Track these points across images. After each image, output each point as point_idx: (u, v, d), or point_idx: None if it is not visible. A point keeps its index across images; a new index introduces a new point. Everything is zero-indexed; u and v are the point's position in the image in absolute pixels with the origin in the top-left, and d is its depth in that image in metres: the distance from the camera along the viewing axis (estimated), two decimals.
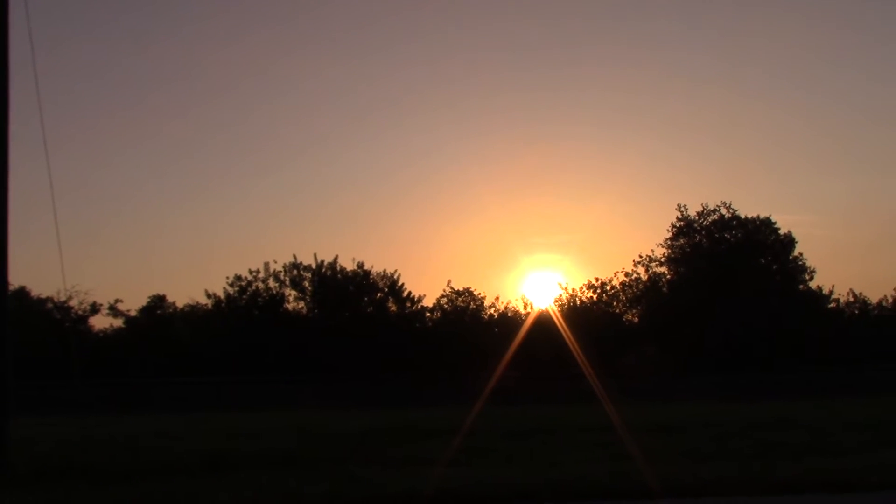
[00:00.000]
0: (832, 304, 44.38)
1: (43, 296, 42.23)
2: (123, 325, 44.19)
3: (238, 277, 42.33)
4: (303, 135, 76.97)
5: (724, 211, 44.07)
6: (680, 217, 44.37)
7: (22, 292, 40.14)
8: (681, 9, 75.85)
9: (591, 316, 41.44)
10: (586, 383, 25.97)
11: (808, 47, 75.29)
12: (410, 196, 75.58)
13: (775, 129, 74.81)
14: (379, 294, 42.55)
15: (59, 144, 59.81)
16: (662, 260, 44.29)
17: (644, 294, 43.62)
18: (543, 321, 39.09)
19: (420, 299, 42.83)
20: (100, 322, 45.85)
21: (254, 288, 42.35)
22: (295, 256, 42.68)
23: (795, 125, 75.33)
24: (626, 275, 43.84)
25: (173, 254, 64.23)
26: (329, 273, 42.50)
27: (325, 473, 11.40)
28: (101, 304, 43.23)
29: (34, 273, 69.08)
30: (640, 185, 72.90)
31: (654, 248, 44.50)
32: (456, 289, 43.28)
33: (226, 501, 9.66)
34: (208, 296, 42.69)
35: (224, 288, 42.32)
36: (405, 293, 42.60)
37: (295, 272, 42.56)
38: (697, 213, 44.26)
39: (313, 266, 42.55)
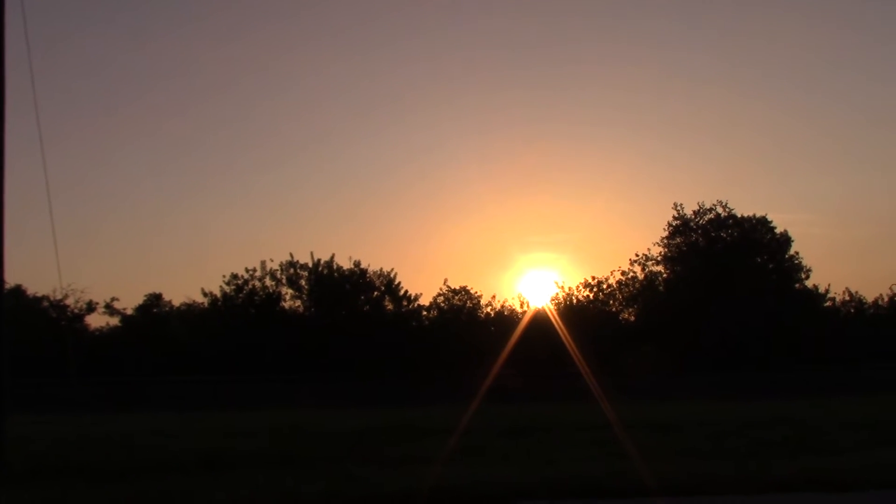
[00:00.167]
0: (828, 303, 44.55)
1: (39, 294, 42.36)
2: (120, 324, 44.25)
3: (234, 276, 42.40)
4: (303, 132, 77.01)
5: (720, 210, 44.24)
6: (676, 216, 44.49)
7: (18, 290, 40.12)
8: (681, 8, 76.11)
9: (588, 315, 41.46)
10: (583, 382, 26.00)
11: (807, 47, 75.65)
12: (408, 194, 75.77)
13: (772, 128, 75.18)
14: (375, 293, 42.56)
15: (55, 142, 59.83)
16: (659, 259, 44.41)
17: (640, 293, 43.69)
18: (540, 320, 39.13)
19: (417, 298, 42.94)
20: (96, 320, 46.02)
21: (250, 286, 42.34)
22: (291, 255, 42.83)
23: (792, 125, 75.69)
24: (623, 273, 44.03)
25: (170, 252, 64.37)
26: (325, 271, 42.47)
27: (321, 472, 11.37)
28: (98, 303, 43.36)
29: (30, 271, 69.07)
30: (638, 184, 73.23)
31: (651, 246, 44.76)
32: (452, 287, 43.40)
33: (222, 500, 9.64)
34: (205, 294, 42.80)
35: (220, 286, 42.44)
36: (402, 292, 42.66)
37: (291, 271, 42.56)
38: (694, 211, 44.43)
39: (310, 264, 42.59)
